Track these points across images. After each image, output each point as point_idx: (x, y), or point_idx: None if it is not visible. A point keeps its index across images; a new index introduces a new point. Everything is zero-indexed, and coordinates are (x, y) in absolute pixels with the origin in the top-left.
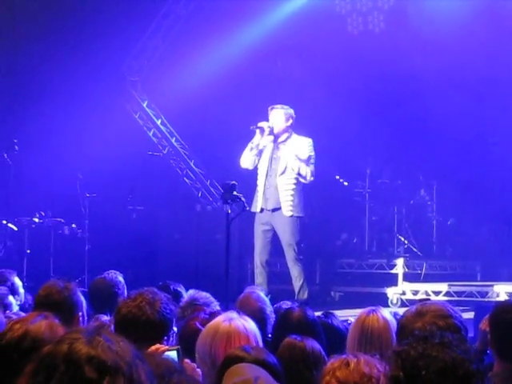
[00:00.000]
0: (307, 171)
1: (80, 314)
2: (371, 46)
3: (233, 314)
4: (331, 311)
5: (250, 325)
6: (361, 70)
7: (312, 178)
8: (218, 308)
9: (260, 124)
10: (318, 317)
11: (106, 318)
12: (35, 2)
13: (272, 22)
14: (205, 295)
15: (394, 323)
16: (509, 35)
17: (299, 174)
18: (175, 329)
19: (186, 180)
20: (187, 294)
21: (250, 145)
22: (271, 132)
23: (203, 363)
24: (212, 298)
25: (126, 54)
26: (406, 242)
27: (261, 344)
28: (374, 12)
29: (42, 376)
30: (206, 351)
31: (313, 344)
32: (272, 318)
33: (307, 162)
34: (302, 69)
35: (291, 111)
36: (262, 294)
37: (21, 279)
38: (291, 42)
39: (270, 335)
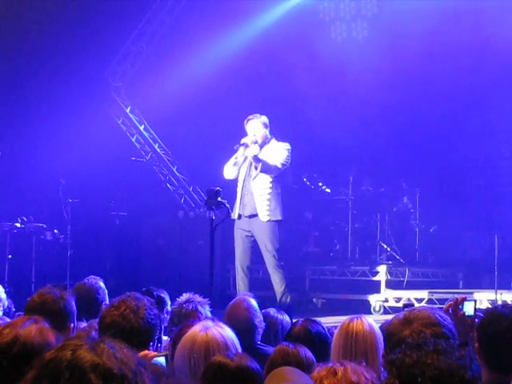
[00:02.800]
0: (274, 162)
1: (72, 325)
2: (355, 52)
3: (208, 323)
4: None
5: (227, 332)
6: (344, 77)
7: (280, 166)
8: (209, 309)
9: (243, 140)
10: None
11: (83, 324)
12: (20, 7)
13: (256, 28)
14: (200, 298)
15: (378, 330)
16: (491, 44)
17: (267, 170)
18: (165, 338)
19: (169, 186)
20: (183, 296)
21: (233, 159)
22: (255, 143)
23: (182, 375)
24: (204, 300)
25: (110, 60)
26: (388, 249)
27: (239, 350)
28: (358, 19)
29: (45, 383)
30: (186, 363)
31: (305, 351)
32: (261, 327)
33: (275, 155)
34: (286, 75)
35: (265, 118)
36: (253, 302)
37: (2, 285)
38: (275, 48)
39: (259, 342)
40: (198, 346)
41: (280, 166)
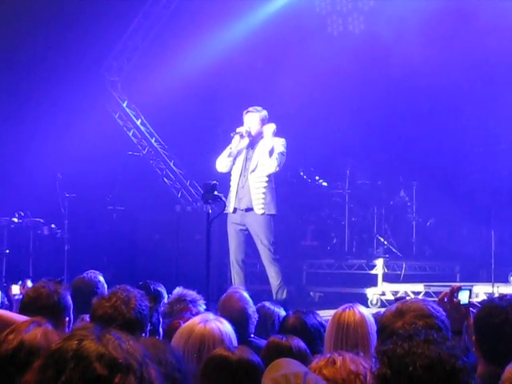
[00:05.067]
0: (272, 161)
1: (67, 319)
2: (351, 46)
3: (208, 316)
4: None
5: (225, 327)
6: (340, 71)
7: (277, 167)
8: (204, 306)
9: (238, 129)
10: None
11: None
12: (17, 3)
13: (252, 23)
14: (192, 293)
15: (370, 319)
16: (489, 41)
17: (266, 165)
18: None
19: (166, 180)
20: (175, 291)
21: (227, 150)
22: (249, 135)
23: None
24: (199, 296)
25: (106, 54)
26: (385, 242)
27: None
28: (354, 13)
29: (50, 372)
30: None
31: (298, 343)
32: (255, 318)
33: (273, 152)
34: (282, 70)
35: (265, 113)
36: (245, 294)
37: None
38: (271, 42)
39: (252, 335)
40: (193, 337)
41: (275, 167)
